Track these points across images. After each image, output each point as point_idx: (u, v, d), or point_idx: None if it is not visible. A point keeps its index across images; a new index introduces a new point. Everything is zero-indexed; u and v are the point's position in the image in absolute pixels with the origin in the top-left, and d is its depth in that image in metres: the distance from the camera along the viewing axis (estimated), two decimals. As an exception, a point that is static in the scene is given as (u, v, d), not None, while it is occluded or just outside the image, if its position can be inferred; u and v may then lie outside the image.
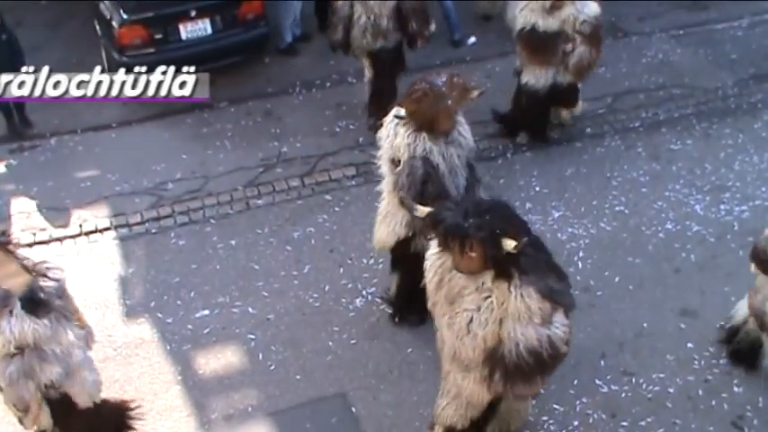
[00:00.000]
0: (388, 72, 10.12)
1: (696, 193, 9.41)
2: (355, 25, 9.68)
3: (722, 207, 9.22)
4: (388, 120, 6.91)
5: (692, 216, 9.09)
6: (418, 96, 6.64)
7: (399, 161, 6.80)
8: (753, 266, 6.83)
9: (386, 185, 7.12)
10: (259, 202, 9.45)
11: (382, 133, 6.98)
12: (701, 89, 11.15)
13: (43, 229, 9.21)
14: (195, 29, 10.82)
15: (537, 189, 9.44)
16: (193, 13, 10.65)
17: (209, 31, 11.00)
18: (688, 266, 8.45)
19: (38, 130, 10.78)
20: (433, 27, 10.07)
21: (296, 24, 12.23)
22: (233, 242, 8.88)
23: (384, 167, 7.04)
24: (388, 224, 7.14)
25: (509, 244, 5.14)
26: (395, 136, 6.82)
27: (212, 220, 9.22)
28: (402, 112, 6.75)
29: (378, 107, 9.56)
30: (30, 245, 9.02)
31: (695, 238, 8.79)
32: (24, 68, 10.32)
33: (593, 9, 9.22)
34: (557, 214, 9.07)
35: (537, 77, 9.54)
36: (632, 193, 9.37)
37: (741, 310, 7.24)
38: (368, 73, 10.28)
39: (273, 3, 11.71)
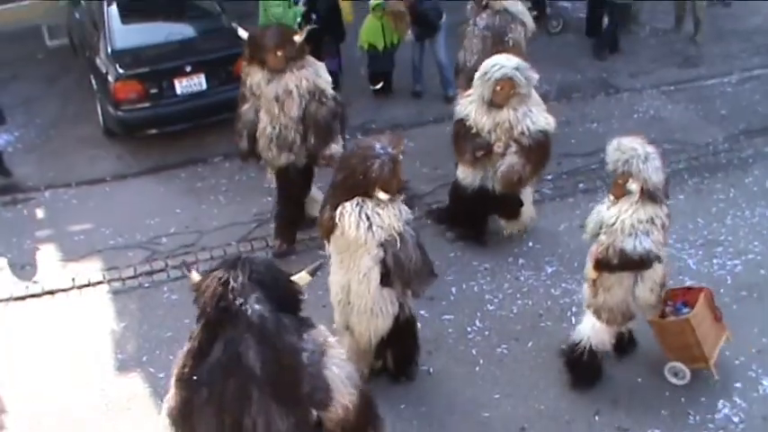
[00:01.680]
0: (292, 195, 9.17)
1: (689, 247, 9.42)
2: (262, 136, 8.74)
3: (715, 261, 9.23)
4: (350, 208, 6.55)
5: (684, 271, 9.09)
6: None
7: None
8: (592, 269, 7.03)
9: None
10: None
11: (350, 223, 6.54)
12: (693, 144, 11.25)
13: (35, 282, 9.18)
14: (190, 84, 10.91)
15: (530, 245, 9.45)
16: (189, 69, 10.75)
17: (204, 86, 11.09)
18: (681, 321, 8.44)
19: (32, 182, 10.82)
20: (337, 148, 8.61)
21: None
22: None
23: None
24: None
25: None
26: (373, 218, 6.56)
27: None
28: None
29: (284, 230, 9.25)
30: (22, 297, 9.01)
31: (688, 293, 8.80)
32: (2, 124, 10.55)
33: (541, 122, 8.48)
34: (550, 270, 9.06)
35: (465, 174, 9.00)
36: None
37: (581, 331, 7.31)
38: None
39: None
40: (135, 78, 10.88)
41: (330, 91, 8.68)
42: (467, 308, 8.60)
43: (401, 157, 6.66)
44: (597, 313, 7.14)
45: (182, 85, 10.95)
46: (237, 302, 4.73)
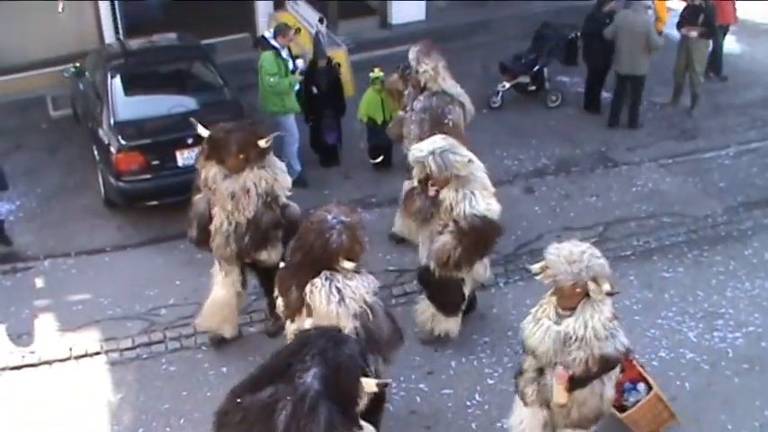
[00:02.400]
0: (271, 281, 7.87)
1: (689, 320, 9.41)
2: (218, 232, 8.42)
3: (716, 334, 9.22)
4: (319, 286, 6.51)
5: (685, 343, 9.07)
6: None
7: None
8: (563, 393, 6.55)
9: None
10: (251, 329, 9.40)
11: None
12: (691, 217, 11.29)
13: (33, 352, 9.13)
14: (192, 156, 10.91)
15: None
16: (190, 141, 10.80)
17: (206, 157, 11.12)
18: (683, 394, 8.40)
19: (32, 251, 10.82)
20: (267, 255, 8.54)
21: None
22: (224, 369, 8.80)
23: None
24: None
25: None
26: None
27: (204, 347, 9.15)
28: None
29: (274, 310, 8.23)
30: (18, 367, 8.97)
31: (689, 366, 8.77)
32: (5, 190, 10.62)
33: (481, 206, 8.19)
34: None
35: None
36: (625, 321, 9.23)
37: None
38: (217, 292, 8.87)
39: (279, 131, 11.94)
40: (137, 150, 10.95)
41: (283, 199, 8.50)
42: (466, 382, 8.55)
43: (359, 221, 6.65)
44: (575, 429, 6.74)
45: (183, 157, 11.00)
46: (299, 366, 5.20)
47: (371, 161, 12.57)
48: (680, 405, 8.18)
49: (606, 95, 14.25)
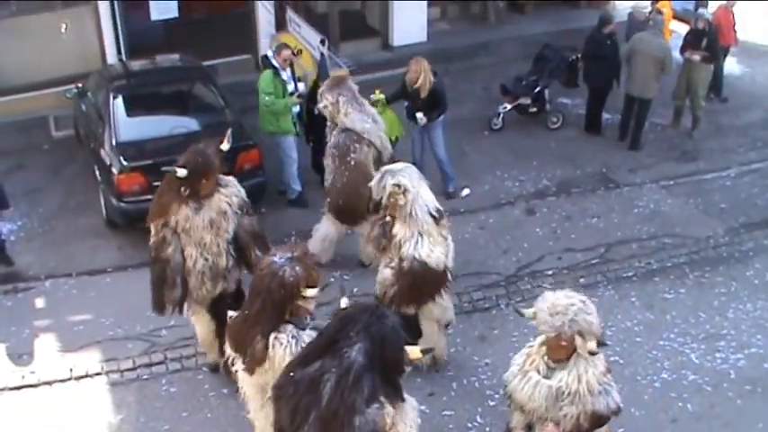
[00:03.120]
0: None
1: (691, 341, 9.40)
2: (191, 274, 8.11)
3: (718, 355, 9.20)
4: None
5: (687, 365, 9.05)
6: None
7: None
8: None
9: None
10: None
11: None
12: (693, 238, 11.29)
13: (33, 372, 9.11)
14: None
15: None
16: (192, 161, 10.80)
17: (208, 178, 11.12)
18: (685, 416, 8.38)
19: (33, 271, 10.82)
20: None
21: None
22: (225, 391, 8.75)
23: None
24: None
25: None
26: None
27: (204, 368, 9.11)
28: None
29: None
30: (18, 387, 8.95)
31: (691, 388, 8.75)
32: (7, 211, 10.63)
33: (423, 252, 8.04)
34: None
35: None
36: (627, 343, 9.34)
37: None
38: (200, 330, 8.68)
39: (277, 154, 11.98)
40: (138, 170, 10.94)
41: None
42: (467, 403, 8.53)
43: (306, 252, 6.55)
44: None
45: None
46: (345, 342, 5.37)
47: (372, 183, 12.55)
48: (682, 427, 8.18)
49: (607, 117, 14.29)
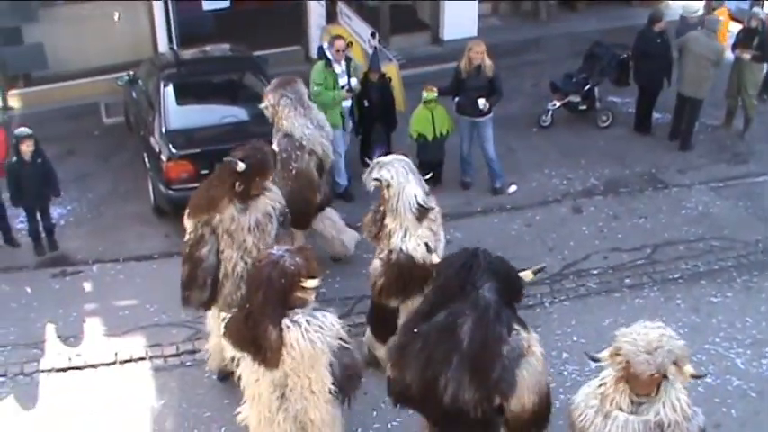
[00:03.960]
0: None
1: (737, 346, 9.27)
2: (229, 278, 7.95)
3: (764, 362, 9.07)
4: None
5: (732, 370, 8.93)
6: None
7: None
8: None
9: None
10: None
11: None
12: (741, 242, 11.14)
13: (78, 355, 9.25)
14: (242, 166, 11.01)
15: (574, 339, 9.35)
16: (240, 151, 10.87)
17: (254, 168, 11.17)
18: (729, 422, 8.27)
19: (81, 255, 10.98)
20: None
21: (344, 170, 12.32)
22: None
23: None
24: None
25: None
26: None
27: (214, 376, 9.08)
28: None
29: None
30: (64, 369, 9.10)
31: (736, 393, 8.63)
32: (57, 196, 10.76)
33: (410, 245, 7.91)
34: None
35: None
36: (672, 345, 9.24)
37: None
38: (217, 333, 8.06)
39: None
40: (187, 159, 11.05)
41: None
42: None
43: (303, 245, 6.60)
44: None
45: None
46: (475, 285, 5.89)
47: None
48: (725, 432, 8.09)
49: (657, 116, 14.14)
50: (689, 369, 5.38)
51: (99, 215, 11.95)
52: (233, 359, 6.66)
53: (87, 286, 10.48)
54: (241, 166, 7.72)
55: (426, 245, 7.72)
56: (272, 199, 8.05)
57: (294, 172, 9.76)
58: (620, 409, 5.49)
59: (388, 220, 8.06)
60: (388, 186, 7.91)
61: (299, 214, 9.61)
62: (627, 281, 10.35)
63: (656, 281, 10.40)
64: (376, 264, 8.20)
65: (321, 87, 11.57)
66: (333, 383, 6.39)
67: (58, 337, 9.53)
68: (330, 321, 6.28)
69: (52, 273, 10.67)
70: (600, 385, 5.66)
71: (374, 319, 8.72)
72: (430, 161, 12.34)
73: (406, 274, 7.97)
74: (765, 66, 14.11)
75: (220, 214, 7.82)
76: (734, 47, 13.86)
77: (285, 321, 6.12)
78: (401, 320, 8.23)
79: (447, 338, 5.90)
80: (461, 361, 5.87)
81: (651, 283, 10.35)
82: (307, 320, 6.16)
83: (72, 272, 10.72)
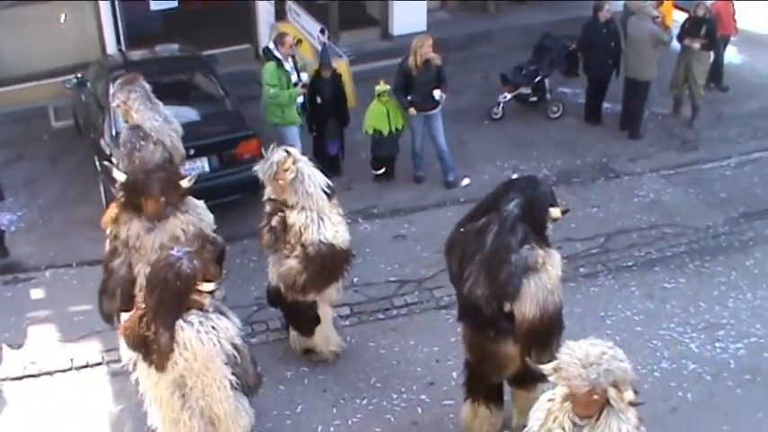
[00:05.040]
0: None
1: (691, 331, 9.40)
2: (138, 286, 7.73)
3: (717, 345, 9.21)
4: None
5: (687, 354, 9.06)
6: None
7: None
8: None
9: None
10: (253, 340, 9.30)
11: None
12: (693, 228, 11.29)
13: (33, 363, 9.14)
14: (193, 167, 10.92)
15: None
16: (192, 152, 10.79)
17: (207, 168, 11.14)
18: (685, 406, 8.39)
19: (33, 262, 10.84)
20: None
21: None
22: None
23: None
24: None
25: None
26: None
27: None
28: None
29: None
30: (19, 378, 8.98)
31: (691, 377, 8.76)
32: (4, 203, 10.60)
33: (329, 233, 8.07)
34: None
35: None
36: (626, 332, 9.34)
37: None
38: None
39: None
40: (138, 160, 10.93)
41: (212, 234, 8.07)
42: (468, 392, 8.52)
43: (204, 248, 6.65)
44: None
45: (185, 169, 10.96)
46: (505, 200, 6.89)
47: (373, 172, 12.58)
48: (682, 416, 8.19)
49: (607, 106, 14.26)
50: (628, 395, 5.16)
51: (50, 220, 11.80)
52: (130, 361, 6.55)
53: (40, 293, 10.36)
54: (120, 175, 7.74)
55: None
56: (183, 221, 7.78)
57: (138, 162, 9.49)
58: (562, 428, 5.33)
59: (294, 218, 8.04)
60: (295, 161, 7.94)
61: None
62: (581, 270, 10.44)
63: (611, 269, 10.50)
64: (291, 263, 8.17)
65: (277, 88, 11.56)
66: (233, 374, 6.33)
67: (12, 345, 9.41)
68: (225, 325, 6.25)
69: (3, 280, 10.51)
70: (549, 399, 5.52)
71: (294, 318, 8.79)
72: (384, 156, 12.39)
73: (329, 263, 8.11)
74: (712, 54, 14.28)
75: (127, 230, 7.73)
76: (680, 37, 13.98)
77: (179, 323, 6.08)
78: (320, 310, 8.57)
79: (478, 239, 6.93)
80: (481, 260, 6.84)
81: (605, 272, 10.46)
82: (200, 321, 6.13)
83: (24, 278, 10.57)
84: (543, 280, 6.74)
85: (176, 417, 6.41)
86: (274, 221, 8.12)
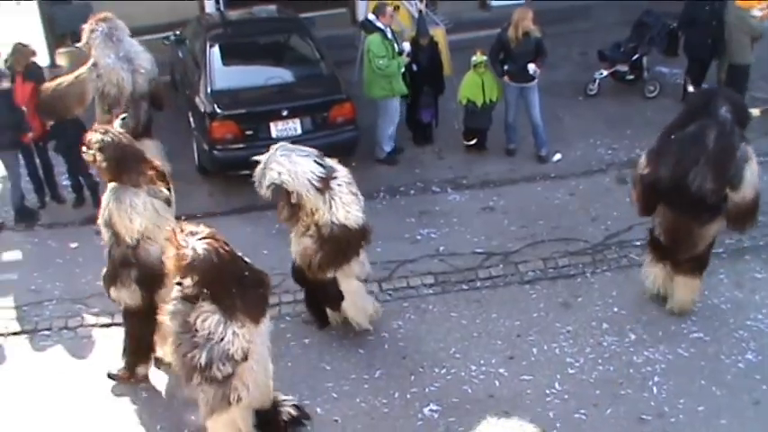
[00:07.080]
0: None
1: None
2: None
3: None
4: None
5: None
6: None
7: None
8: None
9: None
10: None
11: None
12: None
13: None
14: (285, 128, 11.07)
15: (615, 310, 9.31)
16: (285, 113, 10.93)
17: (299, 131, 11.23)
18: (769, 399, 8.22)
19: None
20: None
21: (391, 137, 12.36)
22: (306, 341, 8.93)
23: None
24: None
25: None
26: None
27: (288, 318, 9.30)
28: None
29: None
30: (107, 325, 9.36)
31: (778, 371, 8.56)
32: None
33: (340, 215, 8.16)
34: (633, 337, 8.90)
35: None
36: (712, 320, 9.17)
37: None
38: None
39: (378, 112, 12.01)
40: (232, 119, 11.11)
41: (128, 240, 8.09)
42: (547, 369, 8.51)
43: None
44: None
45: (277, 129, 11.11)
46: (714, 107, 8.22)
47: (465, 143, 12.54)
48: (765, 410, 8.02)
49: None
50: None
51: (144, 174, 12.01)
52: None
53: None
54: (116, 122, 8.36)
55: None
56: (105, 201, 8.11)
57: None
58: None
59: (304, 201, 8.13)
60: (284, 183, 8.05)
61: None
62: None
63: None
64: (306, 242, 8.32)
65: (386, 59, 11.60)
66: None
67: (97, 292, 9.61)
68: None
69: (95, 230, 10.74)
70: None
71: (316, 291, 8.88)
72: (477, 127, 12.34)
73: (344, 244, 8.23)
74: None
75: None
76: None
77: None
78: (344, 286, 8.57)
79: (696, 143, 8.20)
80: (707, 161, 8.14)
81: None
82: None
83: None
84: (753, 168, 8.30)
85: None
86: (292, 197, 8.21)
